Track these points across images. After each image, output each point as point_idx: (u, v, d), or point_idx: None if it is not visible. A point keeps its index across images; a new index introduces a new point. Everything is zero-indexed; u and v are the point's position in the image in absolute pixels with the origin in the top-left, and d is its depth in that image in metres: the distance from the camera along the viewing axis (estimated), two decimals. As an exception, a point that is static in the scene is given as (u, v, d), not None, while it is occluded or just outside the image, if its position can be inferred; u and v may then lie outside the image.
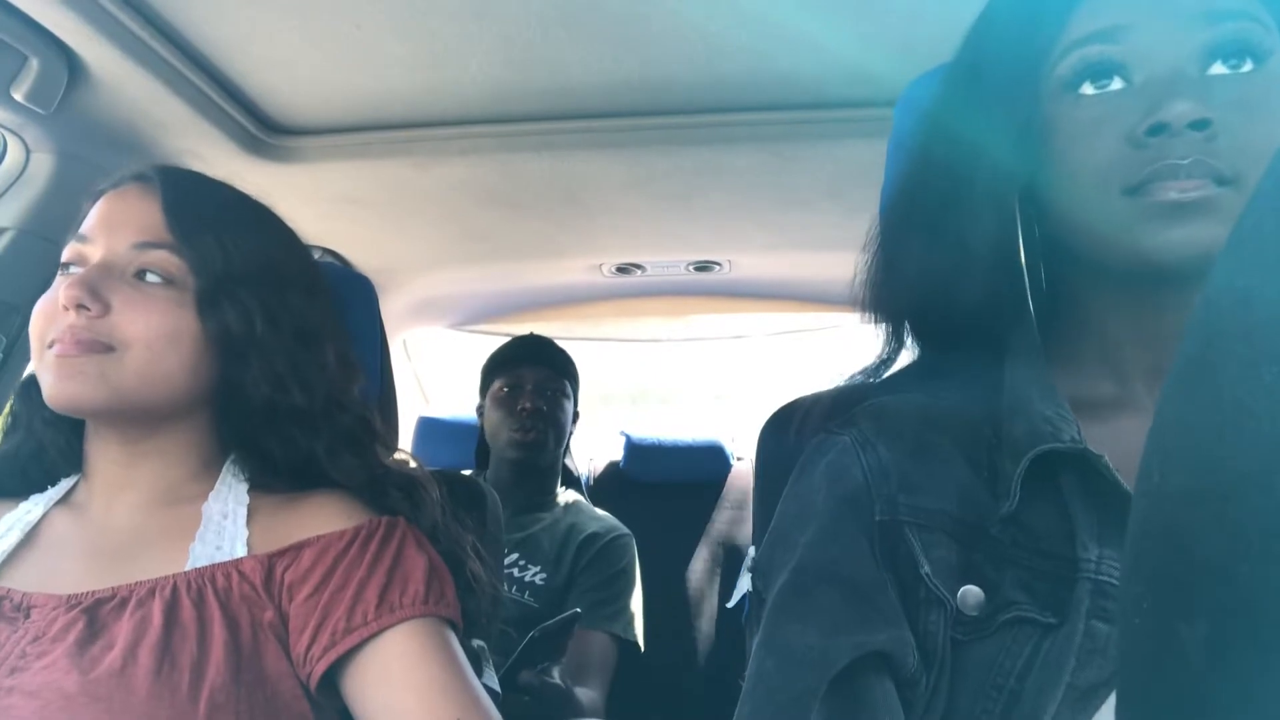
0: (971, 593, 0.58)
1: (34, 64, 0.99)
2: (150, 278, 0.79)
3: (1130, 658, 0.26)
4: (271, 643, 0.74)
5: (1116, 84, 0.59)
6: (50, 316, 0.77)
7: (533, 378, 1.79)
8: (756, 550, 0.71)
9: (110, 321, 0.76)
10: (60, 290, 0.76)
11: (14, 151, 1.10)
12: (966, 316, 0.66)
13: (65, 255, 0.81)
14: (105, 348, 0.76)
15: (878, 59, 1.06)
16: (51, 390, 0.76)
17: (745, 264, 1.88)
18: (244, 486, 0.83)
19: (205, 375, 0.81)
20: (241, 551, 0.78)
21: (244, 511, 0.81)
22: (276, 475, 0.85)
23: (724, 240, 1.76)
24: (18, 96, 1.01)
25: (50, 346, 0.76)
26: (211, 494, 0.82)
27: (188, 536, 0.78)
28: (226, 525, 0.80)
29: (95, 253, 0.79)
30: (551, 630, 1.33)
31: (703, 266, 1.89)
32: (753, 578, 0.68)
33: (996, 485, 0.60)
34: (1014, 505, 0.58)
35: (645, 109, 1.25)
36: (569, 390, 1.83)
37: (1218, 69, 0.57)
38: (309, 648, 0.74)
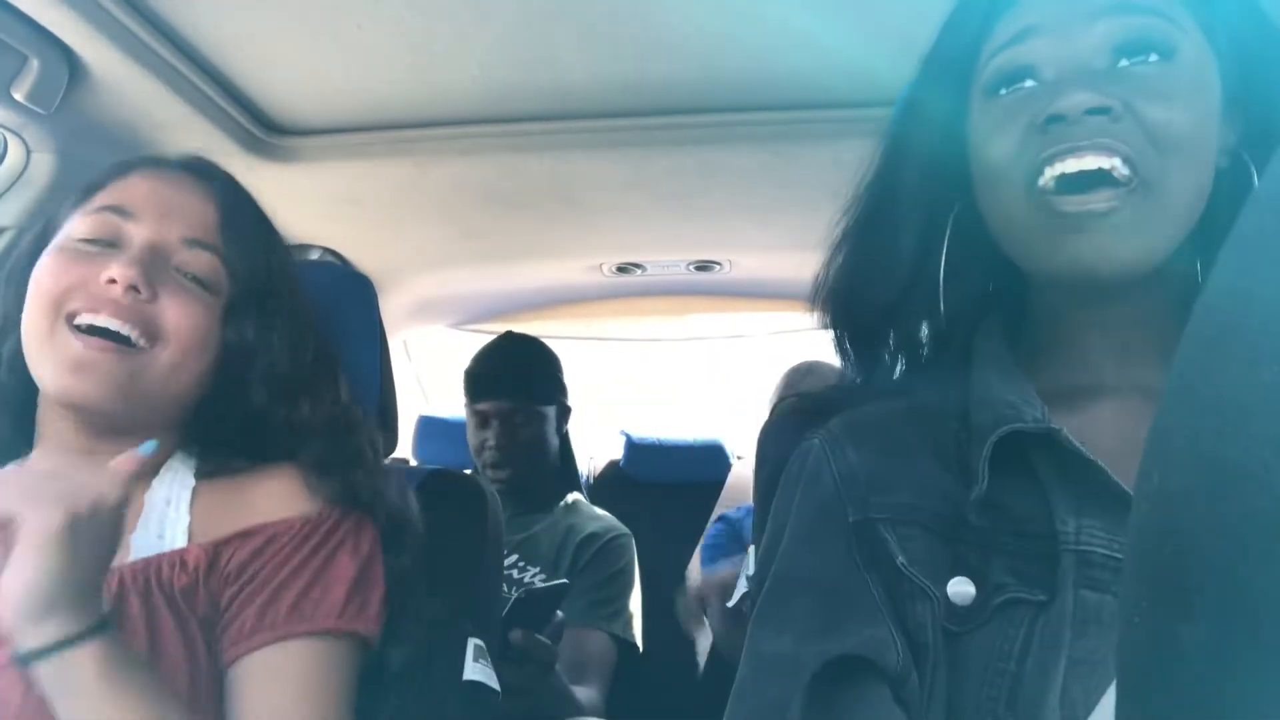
0: (961, 584, 0.59)
1: (34, 64, 0.99)
2: (190, 276, 0.77)
3: (1130, 658, 0.26)
4: (201, 638, 0.73)
5: (1028, 84, 0.60)
6: (74, 283, 0.73)
7: (496, 411, 1.72)
8: (756, 551, 0.71)
9: (153, 310, 0.74)
10: (110, 265, 0.72)
11: (14, 152, 1.10)
12: (879, 316, 0.70)
13: (95, 225, 0.75)
14: (141, 337, 0.73)
15: (878, 58, 1.06)
16: (64, 380, 0.71)
17: (745, 264, 1.88)
18: (190, 470, 0.80)
19: (207, 383, 0.79)
20: (183, 541, 0.75)
21: (188, 496, 0.78)
22: (232, 459, 0.82)
23: (724, 240, 1.76)
24: (18, 97, 1.01)
25: (73, 318, 0.72)
26: (155, 479, 0.79)
27: (131, 527, 0.75)
28: (169, 512, 0.77)
29: (140, 233, 0.75)
30: (538, 595, 1.33)
31: (703, 266, 1.89)
32: (752, 597, 0.69)
33: (966, 475, 0.61)
34: (983, 489, 0.59)
35: (645, 109, 1.25)
36: (541, 409, 1.75)
37: (1126, 64, 0.58)
38: (222, 639, 0.73)
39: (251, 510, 0.77)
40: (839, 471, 0.65)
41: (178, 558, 0.74)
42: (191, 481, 0.79)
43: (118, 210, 0.76)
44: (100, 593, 0.65)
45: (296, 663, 0.72)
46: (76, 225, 0.77)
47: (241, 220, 0.81)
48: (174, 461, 0.81)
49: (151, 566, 0.73)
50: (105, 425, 0.76)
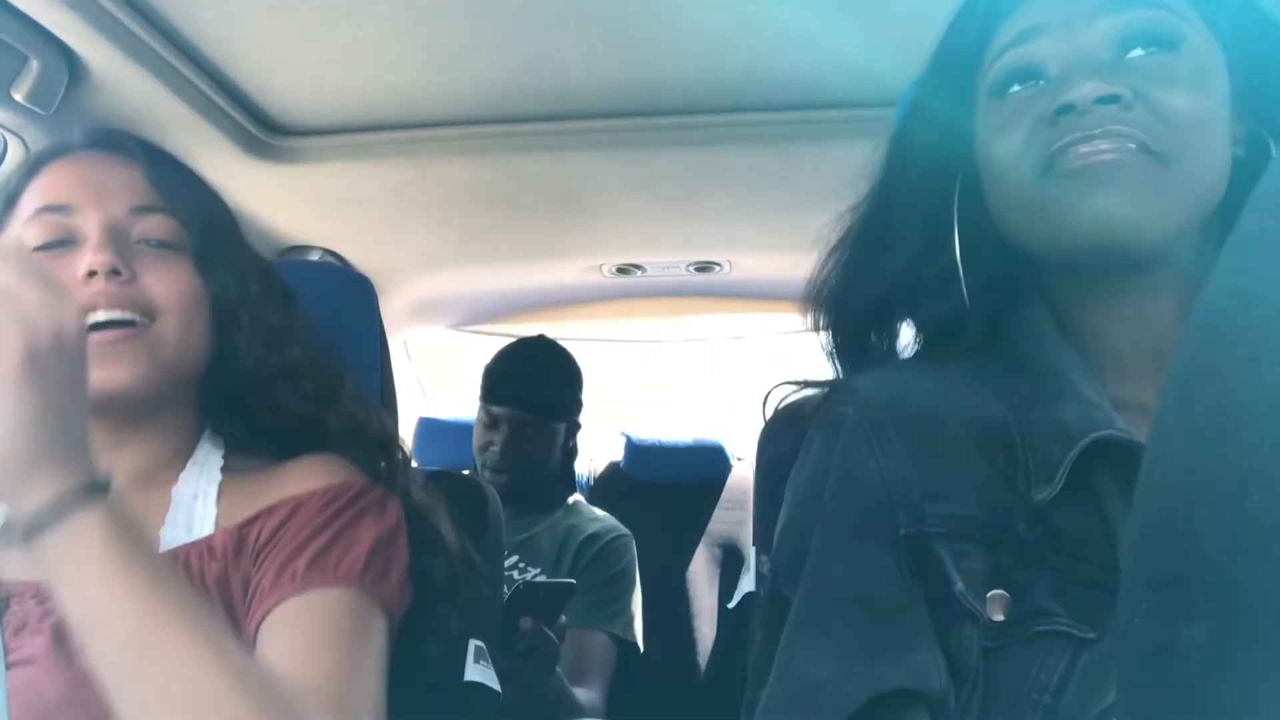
0: (999, 597, 0.55)
1: (34, 64, 0.99)
2: (155, 243, 0.76)
3: (1130, 658, 0.26)
4: (236, 621, 0.71)
5: (1036, 82, 0.60)
6: None
7: (508, 417, 1.72)
8: (757, 552, 0.70)
9: (140, 288, 0.73)
10: (82, 260, 0.71)
11: (14, 152, 1.10)
12: (873, 315, 0.69)
13: (41, 231, 0.74)
14: (142, 317, 0.73)
15: (878, 59, 1.06)
16: (93, 376, 0.69)
17: (745, 264, 1.88)
18: (218, 462, 0.80)
19: (210, 343, 0.79)
20: (210, 531, 0.74)
21: (214, 490, 0.77)
22: (259, 441, 0.82)
23: (724, 240, 1.76)
24: (18, 97, 1.01)
25: None
26: (182, 474, 0.78)
27: (158, 522, 0.75)
28: (196, 506, 0.76)
29: (89, 222, 0.74)
30: (540, 588, 1.32)
31: (703, 267, 1.89)
32: (772, 574, 0.65)
33: (1017, 476, 0.57)
34: (1056, 491, 0.55)
35: (645, 109, 1.25)
36: (553, 425, 1.75)
37: (1133, 55, 0.58)
38: (249, 610, 0.71)
39: (278, 490, 0.76)
40: (887, 471, 0.60)
41: (204, 546, 0.73)
42: (218, 476, 0.79)
43: (54, 209, 0.74)
44: (87, 447, 0.57)
45: (318, 612, 0.68)
46: (20, 238, 0.75)
47: (169, 171, 0.80)
48: (200, 452, 0.80)
49: (179, 559, 0.72)
50: (135, 412, 0.76)
